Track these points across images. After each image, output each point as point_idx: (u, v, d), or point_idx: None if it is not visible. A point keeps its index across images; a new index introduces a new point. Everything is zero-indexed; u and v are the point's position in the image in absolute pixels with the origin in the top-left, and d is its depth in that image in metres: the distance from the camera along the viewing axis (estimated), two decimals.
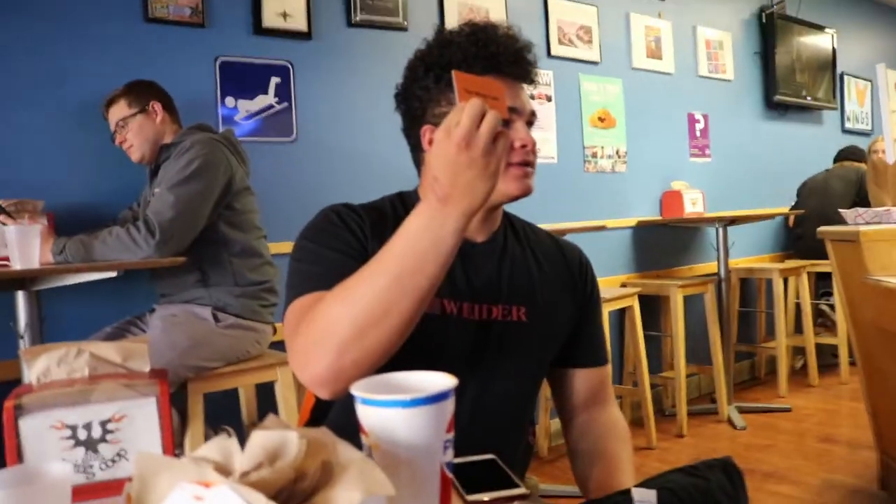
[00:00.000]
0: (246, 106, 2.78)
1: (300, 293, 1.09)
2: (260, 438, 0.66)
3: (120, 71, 2.46)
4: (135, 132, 2.30)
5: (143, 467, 0.64)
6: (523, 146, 1.18)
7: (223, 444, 0.68)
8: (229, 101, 2.75)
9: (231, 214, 2.28)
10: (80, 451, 0.96)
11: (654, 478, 0.98)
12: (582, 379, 1.34)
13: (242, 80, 2.78)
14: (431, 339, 1.16)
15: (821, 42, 5.45)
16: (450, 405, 0.75)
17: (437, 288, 0.97)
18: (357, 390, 0.74)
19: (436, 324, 1.17)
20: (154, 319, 2.25)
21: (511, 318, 1.23)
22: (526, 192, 1.20)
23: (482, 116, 0.90)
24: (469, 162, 0.90)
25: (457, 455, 0.78)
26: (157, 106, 2.32)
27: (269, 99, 2.83)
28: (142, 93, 2.31)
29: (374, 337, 0.95)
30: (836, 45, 5.55)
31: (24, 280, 1.99)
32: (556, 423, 3.64)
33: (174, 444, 1.01)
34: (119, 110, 2.30)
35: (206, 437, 2.31)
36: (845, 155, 5.08)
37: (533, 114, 1.23)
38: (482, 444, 0.99)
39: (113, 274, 2.01)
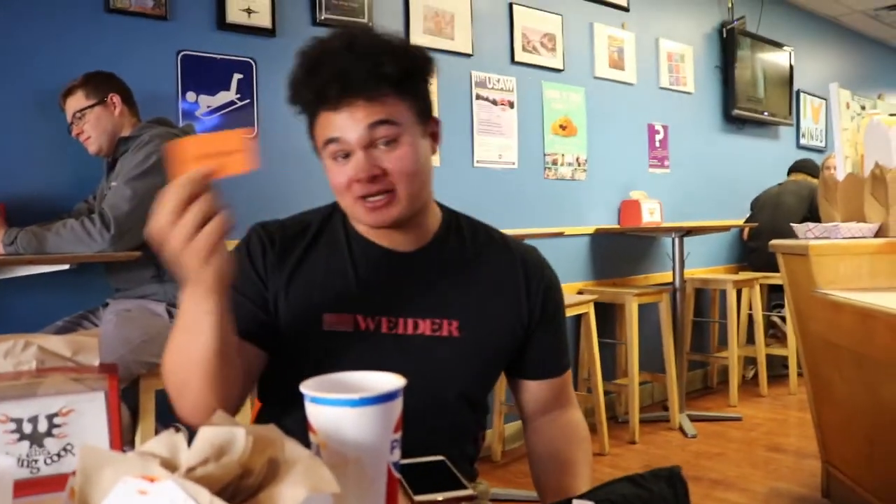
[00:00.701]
0: (207, 101, 2.76)
1: None
2: (207, 434, 0.66)
3: (79, 61, 2.43)
4: (92, 124, 2.26)
5: (87, 461, 0.64)
6: (358, 180, 1.09)
7: (170, 439, 0.68)
8: (190, 95, 2.72)
9: None
10: (25, 444, 0.95)
11: (599, 487, 0.98)
12: (539, 388, 1.30)
13: (204, 75, 2.75)
14: (343, 360, 1.13)
15: (779, 59, 5.57)
16: (397, 405, 0.75)
17: (224, 354, 0.97)
18: (306, 388, 0.74)
19: (346, 341, 1.14)
20: (107, 314, 2.22)
21: (440, 333, 1.17)
22: (377, 225, 1.14)
23: (188, 201, 0.83)
24: (173, 253, 0.86)
25: None
26: (116, 98, 2.29)
27: (230, 95, 2.81)
28: (100, 84, 2.28)
29: (191, 394, 1.00)
30: (793, 63, 5.68)
31: None
32: (509, 428, 3.66)
33: (122, 440, 1.00)
34: (76, 101, 2.26)
35: (157, 434, 2.28)
36: (798, 167, 5.19)
37: (380, 125, 1.09)
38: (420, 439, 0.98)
39: (65, 267, 1.98)
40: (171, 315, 2.18)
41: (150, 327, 2.11)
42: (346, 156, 1.10)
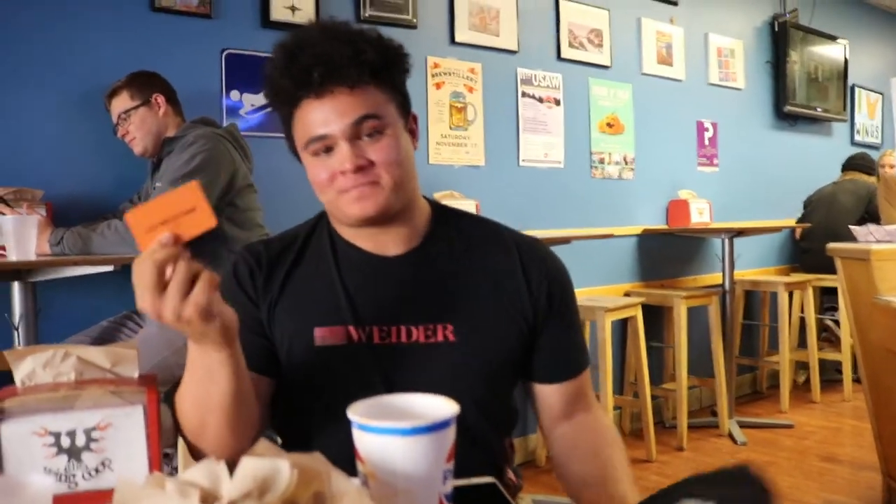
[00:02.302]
0: (251, 100, 2.74)
1: None
2: (250, 466, 0.62)
3: (124, 60, 2.42)
4: (137, 125, 2.26)
5: (124, 496, 0.60)
6: (343, 172, 1.06)
7: (211, 468, 0.65)
8: (234, 94, 2.71)
9: (233, 212, 2.23)
10: (63, 459, 0.92)
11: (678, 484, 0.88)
12: (555, 392, 1.19)
13: (249, 73, 2.73)
14: (337, 373, 1.09)
15: (833, 52, 5.40)
16: (451, 433, 0.71)
17: (242, 397, 0.98)
18: (354, 414, 0.70)
19: (341, 355, 1.10)
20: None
21: (435, 339, 1.11)
22: (364, 216, 1.08)
23: (163, 273, 0.81)
24: (172, 326, 0.85)
25: None
26: (161, 98, 2.28)
27: None
28: (145, 85, 2.27)
29: (211, 437, 1.02)
30: (847, 56, 5.50)
31: (20, 271, 1.96)
32: None
33: (161, 455, 0.97)
34: (121, 102, 2.25)
35: None
36: (854, 164, 5.01)
37: (367, 119, 1.06)
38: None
39: (110, 268, 1.97)
40: None
41: None
42: (328, 150, 1.07)
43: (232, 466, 0.64)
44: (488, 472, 1.17)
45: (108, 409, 0.94)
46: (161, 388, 2.07)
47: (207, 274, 0.84)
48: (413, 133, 1.16)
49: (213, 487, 0.62)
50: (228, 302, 0.94)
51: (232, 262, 1.17)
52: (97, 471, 0.93)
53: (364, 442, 0.69)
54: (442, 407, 0.73)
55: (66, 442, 0.92)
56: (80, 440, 0.92)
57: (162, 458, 0.97)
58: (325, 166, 1.07)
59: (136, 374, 1.01)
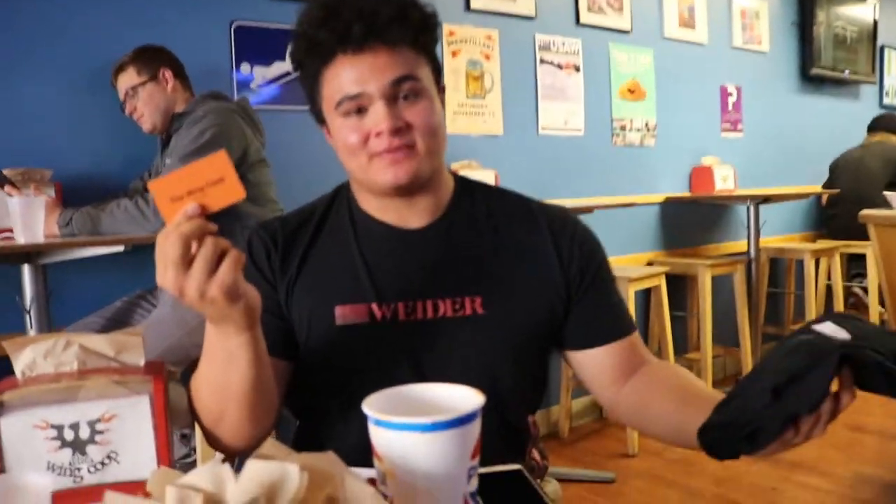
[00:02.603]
0: (262, 73, 2.68)
1: None
2: (256, 469, 0.57)
3: (129, 34, 2.35)
4: (145, 101, 2.20)
5: None
6: (378, 133, 1.00)
7: (215, 472, 0.60)
8: (245, 67, 2.64)
9: (245, 187, 2.17)
10: (67, 453, 0.88)
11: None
12: (608, 353, 1.12)
13: (259, 45, 2.66)
14: (361, 354, 1.05)
15: (861, 13, 5.23)
16: (475, 428, 0.65)
17: (262, 382, 0.94)
18: (370, 409, 0.64)
19: (365, 335, 1.05)
20: (164, 294, 2.17)
21: (464, 313, 1.06)
22: (397, 183, 1.02)
23: (189, 247, 0.77)
24: (192, 305, 0.81)
25: None
26: (168, 73, 2.22)
27: (286, 65, 2.72)
28: (151, 59, 2.21)
29: (229, 425, 0.98)
30: (877, 17, 5.33)
31: (30, 253, 1.92)
32: (577, 404, 3.55)
33: (170, 447, 0.92)
34: (128, 78, 2.20)
35: None
36: (882, 125, 4.85)
37: (405, 81, 1.01)
38: None
39: (120, 249, 1.93)
40: None
41: None
42: (360, 111, 1.02)
43: (247, 455, 0.60)
44: (515, 451, 1.15)
45: (113, 400, 0.89)
46: (176, 367, 2.04)
47: (235, 252, 0.79)
48: (442, 103, 1.11)
49: (218, 492, 0.58)
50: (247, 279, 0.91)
51: (246, 241, 1.12)
52: (103, 464, 0.90)
53: (381, 438, 0.64)
54: (467, 398, 0.67)
55: (69, 435, 0.88)
56: (84, 433, 0.89)
57: (171, 449, 0.93)
58: (358, 128, 1.02)
59: (141, 362, 0.97)
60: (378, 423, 0.63)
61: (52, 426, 0.88)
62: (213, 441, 1.03)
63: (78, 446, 0.88)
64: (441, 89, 1.10)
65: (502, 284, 1.08)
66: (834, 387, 0.79)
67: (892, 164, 4.57)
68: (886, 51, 5.66)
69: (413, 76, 1.01)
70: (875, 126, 4.88)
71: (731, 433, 0.80)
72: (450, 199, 1.13)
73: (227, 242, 0.79)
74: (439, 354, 1.05)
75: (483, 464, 0.66)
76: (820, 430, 0.80)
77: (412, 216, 1.10)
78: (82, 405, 0.88)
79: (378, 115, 1.00)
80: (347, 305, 1.05)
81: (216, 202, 0.78)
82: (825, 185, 4.84)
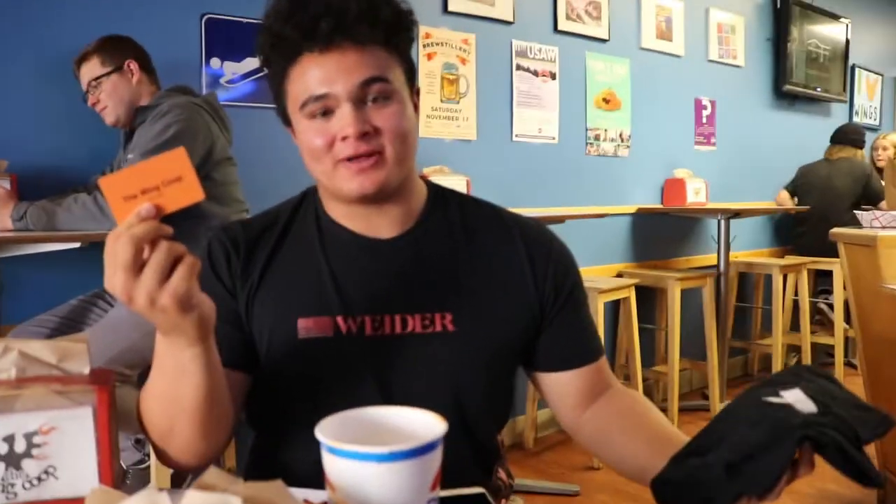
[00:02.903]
0: (232, 68, 2.61)
1: None
2: (195, 501, 0.52)
3: (94, 24, 2.27)
4: (108, 93, 2.12)
5: None
6: (343, 138, 0.95)
7: (152, 500, 0.55)
8: (215, 62, 2.58)
9: (209, 186, 2.11)
10: (0, 467, 0.83)
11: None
12: (575, 378, 1.09)
13: (230, 39, 2.60)
14: (323, 368, 1.00)
15: (835, 32, 5.29)
16: (436, 458, 0.60)
17: (214, 396, 0.89)
18: (323, 434, 0.60)
19: (328, 349, 0.99)
20: None
21: (433, 329, 1.01)
22: (362, 192, 0.97)
23: (141, 250, 0.72)
24: (141, 313, 0.75)
25: None
26: (134, 65, 2.15)
27: (257, 61, 2.65)
28: (116, 50, 2.13)
29: (179, 440, 0.93)
30: (849, 36, 5.39)
31: None
32: (542, 414, 3.52)
33: (113, 461, 0.87)
34: (91, 69, 2.12)
35: None
36: (848, 139, 4.82)
37: (374, 82, 0.95)
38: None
39: (76, 245, 1.86)
40: None
41: None
42: (326, 113, 0.96)
43: (200, 472, 0.56)
44: (483, 471, 1.11)
45: (53, 411, 0.84)
46: (133, 371, 1.97)
47: (190, 258, 0.75)
48: (416, 107, 1.05)
49: None
50: (205, 289, 0.86)
51: (206, 245, 1.06)
52: (40, 479, 0.84)
53: (334, 467, 0.59)
54: (427, 425, 0.63)
55: (3, 448, 0.83)
56: (20, 446, 0.83)
57: (115, 465, 0.87)
58: (323, 131, 0.96)
59: (86, 370, 0.91)
60: (332, 450, 0.59)
61: None
62: (162, 457, 0.97)
63: (12, 461, 0.83)
64: (415, 92, 1.05)
65: (474, 301, 1.04)
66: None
67: (859, 182, 4.62)
68: (857, 70, 5.73)
69: (383, 77, 0.96)
70: (840, 139, 4.86)
71: (684, 495, 0.78)
72: (422, 207, 1.08)
73: (183, 248, 0.74)
74: (406, 372, 1.01)
75: (451, 485, 0.62)
76: (774, 497, 0.77)
77: (382, 225, 1.05)
78: (18, 416, 0.83)
79: (344, 119, 0.94)
80: (311, 318, 1.00)
81: (173, 203, 0.73)
82: (789, 190, 4.86)
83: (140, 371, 1.95)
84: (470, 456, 1.07)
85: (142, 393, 0.95)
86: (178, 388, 0.87)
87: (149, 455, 2.09)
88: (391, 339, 1.01)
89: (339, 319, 1.00)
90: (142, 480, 2.12)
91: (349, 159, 0.96)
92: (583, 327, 1.12)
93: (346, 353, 1.00)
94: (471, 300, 1.04)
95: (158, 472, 1.96)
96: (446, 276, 1.05)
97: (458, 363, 1.03)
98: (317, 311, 1.00)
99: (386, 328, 1.01)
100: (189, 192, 0.73)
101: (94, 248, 2.23)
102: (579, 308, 1.12)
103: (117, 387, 1.85)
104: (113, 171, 2.22)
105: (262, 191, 2.48)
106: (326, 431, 0.60)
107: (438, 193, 1.12)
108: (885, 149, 5.05)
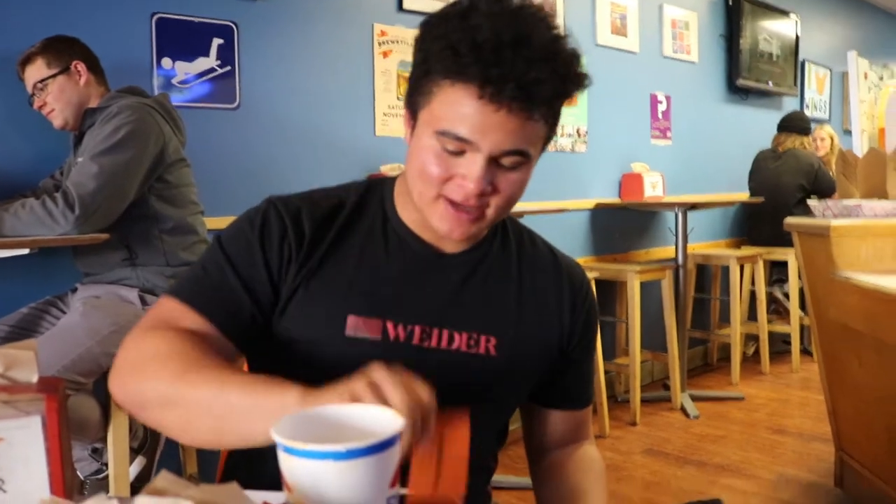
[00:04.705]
0: (185, 68, 2.57)
1: (175, 293, 0.98)
2: None
3: (40, 25, 2.21)
4: (55, 95, 2.06)
5: None
6: (461, 184, 0.92)
7: None
8: (166, 62, 2.53)
9: (163, 188, 2.08)
10: None
11: None
12: (561, 419, 1.17)
13: (181, 39, 2.55)
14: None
15: (785, 28, 5.38)
16: (394, 454, 0.60)
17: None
18: (279, 434, 0.59)
19: (371, 350, 0.96)
20: (75, 301, 2.05)
21: (477, 351, 1.01)
22: (448, 236, 0.98)
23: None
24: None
25: None
26: (81, 66, 2.09)
27: (210, 62, 2.62)
28: (62, 51, 2.07)
29: (194, 436, 0.90)
30: (799, 32, 5.49)
31: None
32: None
33: (66, 471, 0.85)
34: (37, 71, 2.05)
35: (132, 429, 2.13)
36: (794, 126, 4.88)
37: (516, 154, 0.92)
38: None
39: (24, 251, 1.81)
40: (143, 301, 2.01)
41: (120, 316, 1.94)
42: (457, 151, 0.92)
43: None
44: (484, 487, 1.15)
45: None
46: (87, 379, 1.92)
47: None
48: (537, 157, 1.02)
49: None
50: (244, 254, 0.98)
51: (264, 206, 1.02)
52: None
53: (291, 467, 0.58)
54: (384, 421, 0.62)
55: None
56: None
57: (66, 475, 0.85)
58: (448, 163, 0.92)
59: (34, 379, 0.88)
60: (288, 449, 0.57)
61: None
62: (145, 413, 0.92)
63: None
64: (544, 148, 1.00)
65: (519, 331, 1.05)
66: None
67: (806, 178, 4.71)
68: (807, 65, 5.84)
69: (525, 151, 0.93)
70: (786, 126, 4.91)
71: None
72: (488, 230, 1.08)
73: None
74: (446, 387, 0.99)
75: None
76: None
77: (449, 241, 1.03)
78: None
79: (472, 170, 0.91)
80: (361, 317, 0.98)
81: None
82: (749, 183, 4.95)
83: (95, 379, 1.91)
84: (480, 475, 1.11)
85: (170, 383, 0.87)
86: (241, 428, 0.82)
87: (106, 465, 2.05)
88: (436, 352, 1.00)
89: (389, 324, 0.99)
90: (100, 491, 2.07)
91: (453, 203, 0.94)
92: (588, 372, 1.19)
93: (391, 358, 0.95)
94: (515, 327, 1.05)
95: (117, 483, 1.92)
96: (497, 301, 1.05)
97: (495, 388, 1.05)
98: (369, 311, 0.99)
99: (433, 340, 1.00)
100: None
101: (45, 255, 2.18)
102: (590, 354, 1.18)
103: (71, 395, 1.82)
104: (63, 175, 2.16)
105: (216, 193, 2.45)
106: (282, 431, 0.59)
107: (504, 220, 1.12)
108: (822, 140, 5.16)
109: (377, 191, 1.08)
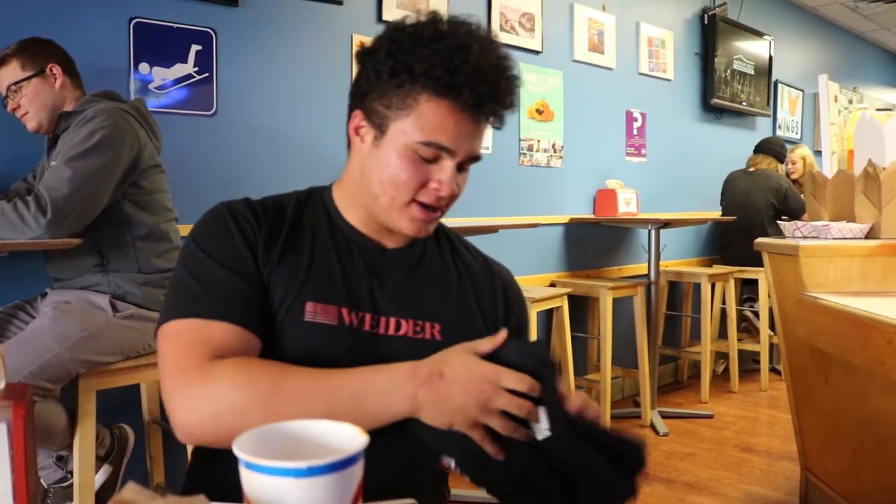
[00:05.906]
0: (162, 74, 2.56)
1: (178, 314, 1.01)
2: None
3: (15, 28, 2.20)
4: (30, 98, 2.04)
5: None
6: (435, 189, 1.06)
7: None
8: (143, 67, 2.52)
9: (137, 193, 2.06)
10: None
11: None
12: None
13: (159, 45, 2.54)
14: (324, 352, 1.03)
15: (759, 48, 5.47)
16: (357, 471, 0.60)
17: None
18: (240, 449, 0.59)
19: (328, 335, 1.04)
20: (44, 306, 2.03)
21: (423, 336, 1.10)
22: (416, 235, 1.12)
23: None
24: (468, 404, 0.93)
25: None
26: (57, 69, 2.07)
27: (188, 68, 2.61)
28: (38, 53, 2.05)
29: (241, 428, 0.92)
30: (772, 53, 5.58)
31: None
32: None
33: (30, 480, 0.84)
34: (11, 73, 2.03)
35: (99, 437, 2.11)
36: (768, 149, 4.98)
37: (474, 158, 1.09)
38: (385, 476, 1.00)
39: None
40: (114, 308, 1.99)
41: (90, 322, 1.92)
42: (432, 160, 1.06)
43: None
44: (441, 481, 1.19)
45: None
46: (55, 385, 1.90)
47: None
48: None
49: None
50: (227, 248, 1.04)
51: (226, 208, 1.10)
52: None
53: (251, 482, 0.58)
54: (347, 438, 0.63)
55: None
56: None
57: (31, 485, 0.84)
58: (422, 170, 1.05)
59: (1, 385, 0.87)
60: (249, 465, 0.58)
61: None
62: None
63: None
64: None
65: (461, 317, 1.15)
66: None
67: (775, 198, 4.77)
68: (780, 86, 5.94)
69: (479, 156, 1.10)
70: (763, 149, 5.00)
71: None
72: None
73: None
74: None
75: (408, 494, 0.64)
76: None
77: (390, 237, 1.15)
78: None
79: (446, 175, 1.05)
80: (319, 304, 1.06)
81: None
82: (720, 202, 5.00)
83: (63, 385, 1.89)
84: (429, 469, 1.13)
85: (263, 401, 0.94)
86: (360, 418, 0.82)
87: (71, 473, 2.02)
88: (385, 338, 1.08)
89: (344, 311, 1.06)
90: (63, 499, 2.05)
91: (425, 206, 1.07)
92: None
93: (345, 342, 1.06)
94: (458, 316, 1.15)
95: (82, 491, 1.90)
96: (439, 291, 1.16)
97: None
98: (325, 298, 1.06)
99: (381, 328, 1.08)
100: None
101: (14, 259, 2.15)
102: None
103: (37, 402, 1.80)
104: (36, 178, 2.15)
105: (191, 199, 2.43)
106: (244, 447, 0.59)
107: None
108: (794, 162, 5.23)
109: (316, 197, 1.18)
